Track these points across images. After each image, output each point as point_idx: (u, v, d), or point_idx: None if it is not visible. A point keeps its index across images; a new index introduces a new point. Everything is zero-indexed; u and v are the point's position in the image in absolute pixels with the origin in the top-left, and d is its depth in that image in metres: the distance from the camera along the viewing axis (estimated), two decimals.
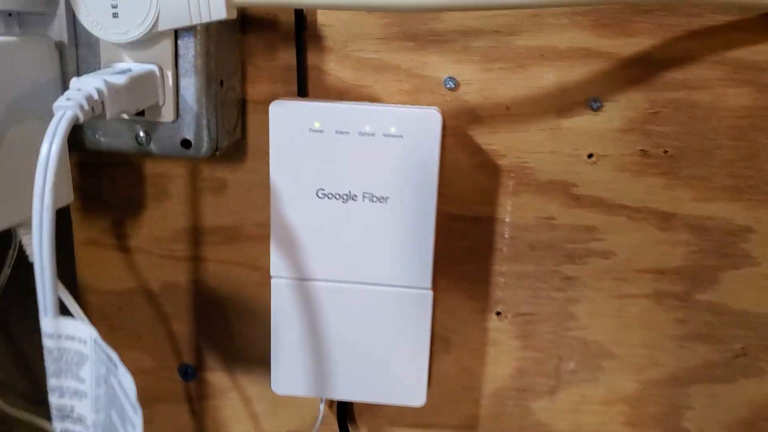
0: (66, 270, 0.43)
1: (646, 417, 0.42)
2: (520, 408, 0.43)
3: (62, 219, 0.42)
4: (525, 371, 0.42)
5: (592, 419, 0.42)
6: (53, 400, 0.27)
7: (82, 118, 0.26)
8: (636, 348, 0.40)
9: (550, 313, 0.40)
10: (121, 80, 0.28)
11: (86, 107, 0.26)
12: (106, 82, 0.27)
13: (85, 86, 0.26)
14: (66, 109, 0.25)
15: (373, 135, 0.34)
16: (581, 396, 0.42)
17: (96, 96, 0.27)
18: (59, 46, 0.31)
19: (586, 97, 0.36)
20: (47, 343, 0.26)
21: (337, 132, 0.34)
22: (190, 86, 0.32)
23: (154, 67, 0.31)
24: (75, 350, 0.26)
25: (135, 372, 0.44)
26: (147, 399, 0.45)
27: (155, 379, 0.44)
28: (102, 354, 0.25)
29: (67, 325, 0.26)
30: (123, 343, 0.44)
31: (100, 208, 0.41)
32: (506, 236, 0.39)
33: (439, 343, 0.42)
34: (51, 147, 0.24)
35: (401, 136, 0.34)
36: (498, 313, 0.41)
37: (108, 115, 0.27)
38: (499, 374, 0.42)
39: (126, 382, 0.24)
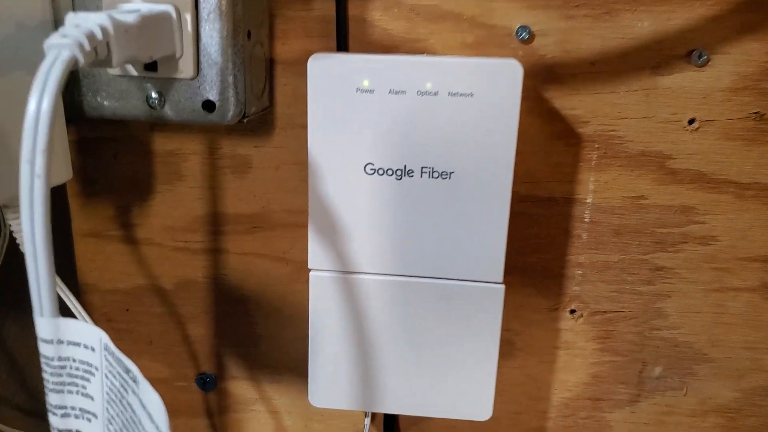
0: (65, 266, 0.37)
1: (746, 431, 0.36)
2: (595, 420, 0.37)
3: (59, 207, 0.36)
4: (602, 378, 0.36)
5: None
6: (55, 421, 0.21)
7: (82, 61, 0.20)
8: (736, 350, 0.34)
9: (635, 310, 0.34)
10: (130, 18, 0.22)
11: (87, 47, 0.20)
12: (112, 18, 0.21)
13: (85, 22, 0.20)
14: (61, 48, 0.19)
15: (435, 94, 0.28)
16: (667, 406, 0.36)
17: (99, 35, 0.21)
18: None
19: (688, 50, 0.30)
20: (45, 350, 0.20)
21: (390, 92, 0.28)
22: (213, 34, 0.26)
23: (170, 8, 0.25)
24: (80, 359, 0.21)
25: None
26: None
27: (169, 390, 0.39)
28: (115, 365, 0.19)
29: (70, 327, 0.20)
30: (132, 349, 0.38)
31: (103, 194, 0.35)
32: (586, 220, 0.33)
33: (501, 346, 0.35)
34: (42, 98, 0.18)
35: (471, 95, 0.27)
36: (572, 311, 0.35)
37: (115, 61, 0.21)
38: (571, 381, 0.36)
39: (151, 402, 0.18)
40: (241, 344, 0.38)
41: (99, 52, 0.21)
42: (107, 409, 0.20)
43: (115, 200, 0.36)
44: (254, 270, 0.36)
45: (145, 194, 0.35)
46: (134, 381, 0.18)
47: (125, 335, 0.38)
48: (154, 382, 0.38)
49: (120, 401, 0.19)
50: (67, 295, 0.26)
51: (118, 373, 0.19)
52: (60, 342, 0.20)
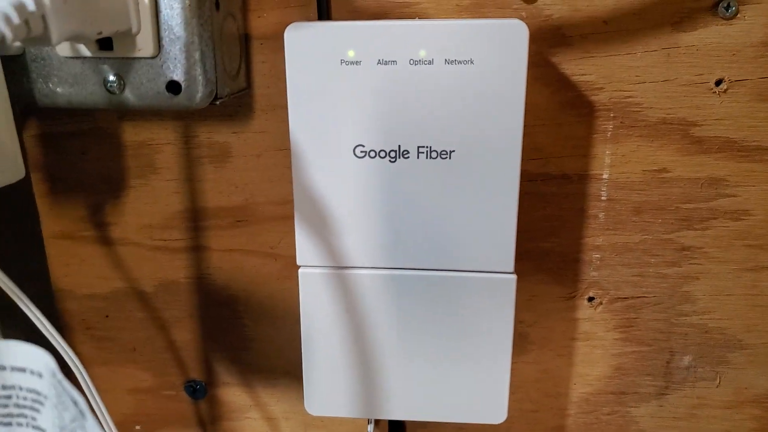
0: (37, 272, 0.34)
1: None
2: (619, 416, 0.34)
3: (26, 209, 0.33)
4: (625, 370, 0.33)
5: (713, 427, 0.33)
6: None
7: (10, 36, 0.17)
8: None
9: (660, 295, 0.31)
10: None
11: (16, 20, 0.17)
12: None
13: None
14: None
15: (430, 63, 0.24)
16: (699, 398, 0.33)
17: (32, 6, 0.17)
18: None
19: (714, 1, 0.27)
20: None
21: (379, 62, 0.25)
22: (174, 4, 0.23)
23: None
24: (27, 387, 0.18)
25: (132, 392, 0.36)
26: (149, 423, 0.37)
27: (157, 399, 0.36)
28: (64, 394, 0.16)
29: (11, 350, 0.17)
30: (114, 358, 0.35)
31: (72, 192, 0.32)
32: (603, 198, 0.30)
33: (514, 340, 0.32)
34: None
35: (471, 62, 0.24)
36: (591, 299, 0.32)
37: (54, 38, 0.18)
38: (592, 375, 0.33)
39: None
40: (231, 348, 0.35)
41: (32, 26, 0.17)
42: None
43: (86, 199, 0.33)
44: (241, 268, 0.33)
45: (117, 191, 0.32)
46: (82, 416, 0.16)
47: (106, 343, 0.35)
48: (141, 392, 0.36)
49: None
50: (22, 300, 0.23)
51: (67, 404, 0.16)
52: (2, 368, 0.17)
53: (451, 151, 0.26)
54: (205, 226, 0.32)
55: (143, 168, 0.32)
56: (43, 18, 0.18)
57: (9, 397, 0.18)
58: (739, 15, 0.27)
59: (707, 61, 0.27)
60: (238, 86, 0.28)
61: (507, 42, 0.24)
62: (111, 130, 0.31)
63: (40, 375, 0.17)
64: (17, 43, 0.18)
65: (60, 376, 0.16)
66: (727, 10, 0.27)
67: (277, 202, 0.32)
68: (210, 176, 0.31)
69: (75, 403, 0.16)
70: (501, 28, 0.24)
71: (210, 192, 0.32)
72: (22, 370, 0.17)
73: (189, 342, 0.35)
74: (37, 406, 0.17)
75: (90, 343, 0.35)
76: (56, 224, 0.33)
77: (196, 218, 0.32)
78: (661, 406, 0.33)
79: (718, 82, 0.28)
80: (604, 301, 0.32)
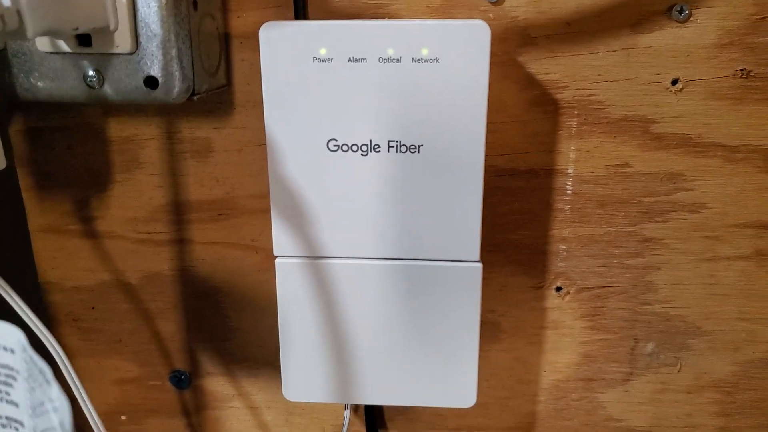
0: (24, 265, 0.35)
1: (744, 405, 0.34)
2: (587, 401, 0.35)
3: (12, 203, 0.34)
4: (593, 357, 0.34)
5: (676, 411, 0.35)
6: None
7: None
8: (732, 322, 0.33)
9: (624, 284, 0.33)
10: None
11: None
12: None
13: None
14: None
15: (398, 61, 0.26)
16: (662, 383, 0.34)
17: (7, 1, 0.18)
18: None
19: (668, 4, 0.28)
20: None
21: (350, 60, 0.26)
22: (151, 3, 0.24)
23: None
24: (0, 363, 0.19)
25: (118, 382, 0.37)
26: (134, 413, 0.38)
27: (142, 389, 0.37)
28: (35, 367, 0.18)
29: None
30: (100, 349, 0.36)
31: (59, 186, 0.33)
32: (569, 192, 0.31)
33: (486, 329, 0.34)
34: None
35: (436, 60, 0.25)
36: (558, 289, 0.33)
37: (29, 33, 0.19)
38: (561, 362, 0.34)
39: (61, 409, 0.16)
40: (214, 339, 0.36)
41: (7, 21, 0.18)
42: (32, 416, 0.18)
43: (72, 193, 0.34)
44: (223, 260, 0.34)
45: (103, 185, 0.33)
46: (48, 384, 0.17)
47: (93, 335, 0.36)
48: (127, 382, 0.37)
49: (41, 406, 0.18)
50: (8, 293, 0.24)
51: (36, 377, 0.17)
52: None
53: (419, 146, 0.27)
54: (188, 219, 0.34)
55: (128, 163, 0.33)
56: (19, 13, 0.19)
57: None
58: (692, 18, 0.28)
59: (663, 62, 0.29)
60: (217, 83, 0.29)
61: (470, 42, 0.25)
62: (96, 125, 0.32)
63: (12, 351, 0.18)
64: None
65: (30, 350, 0.17)
66: (680, 14, 0.28)
67: (257, 196, 0.33)
68: (192, 170, 0.33)
69: (41, 372, 0.17)
70: (464, 28, 0.25)
71: (192, 186, 0.33)
72: None
73: (173, 333, 0.36)
74: (10, 381, 0.18)
75: (76, 335, 0.36)
76: (43, 218, 0.34)
77: (179, 211, 0.33)
78: (627, 391, 0.35)
79: (674, 82, 0.29)
80: (571, 291, 0.33)
